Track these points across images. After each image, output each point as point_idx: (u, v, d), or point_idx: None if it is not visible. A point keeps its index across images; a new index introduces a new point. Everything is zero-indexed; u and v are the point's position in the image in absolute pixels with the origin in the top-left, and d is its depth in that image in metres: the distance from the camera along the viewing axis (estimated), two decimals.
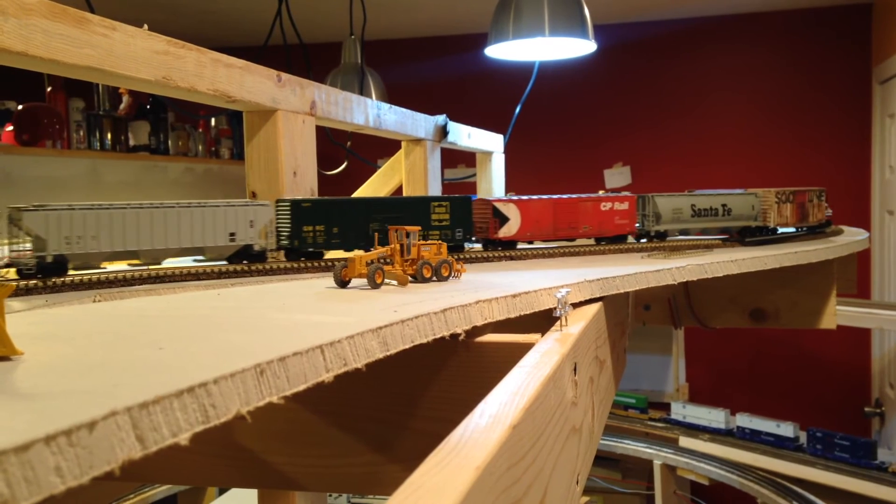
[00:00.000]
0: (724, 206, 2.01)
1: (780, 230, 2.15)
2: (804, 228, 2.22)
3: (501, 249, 1.68)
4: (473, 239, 1.68)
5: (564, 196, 1.80)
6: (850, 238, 2.30)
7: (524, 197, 1.74)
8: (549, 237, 1.74)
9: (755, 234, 2.06)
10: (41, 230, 1.14)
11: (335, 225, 1.49)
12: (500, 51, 2.83)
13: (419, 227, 1.32)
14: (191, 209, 1.30)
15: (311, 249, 1.47)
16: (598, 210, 1.81)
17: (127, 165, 5.40)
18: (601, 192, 1.98)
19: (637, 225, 1.93)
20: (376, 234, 1.51)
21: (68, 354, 0.67)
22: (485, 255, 1.69)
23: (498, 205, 1.67)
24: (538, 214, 1.72)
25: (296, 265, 1.42)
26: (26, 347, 0.66)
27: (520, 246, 1.77)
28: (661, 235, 1.95)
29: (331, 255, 1.54)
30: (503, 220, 1.66)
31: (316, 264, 1.44)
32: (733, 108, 5.78)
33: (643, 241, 1.94)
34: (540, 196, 1.75)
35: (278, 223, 1.46)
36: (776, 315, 2.40)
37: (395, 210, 1.56)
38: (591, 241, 1.90)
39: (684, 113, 5.87)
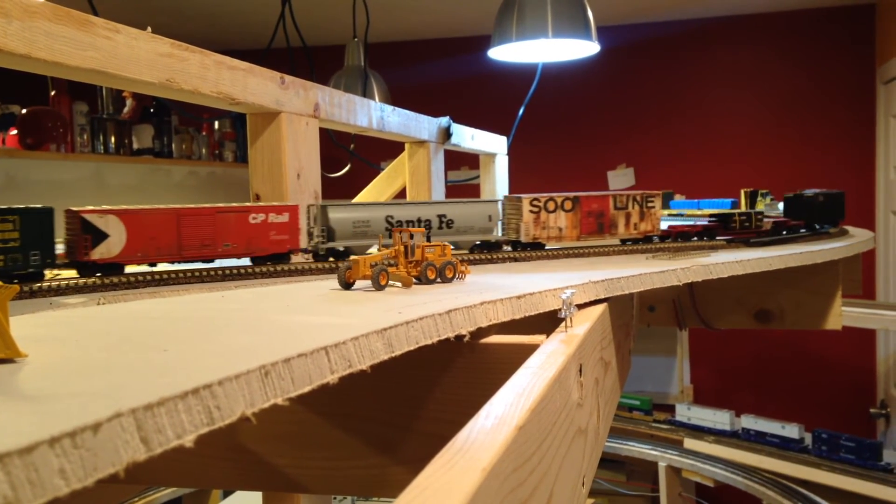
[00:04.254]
0: (441, 216, 1.71)
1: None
2: (631, 242, 1.90)
3: (102, 276, 1.26)
4: (60, 263, 1.28)
5: (193, 206, 1.44)
6: (856, 238, 2.30)
7: (136, 207, 1.37)
8: (175, 258, 1.37)
9: (498, 250, 1.76)
10: None
11: None
12: (504, 52, 2.83)
13: (423, 228, 1.31)
14: None
15: None
16: (245, 223, 1.47)
17: (131, 169, 5.41)
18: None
19: (313, 242, 1.61)
20: None
21: (72, 356, 0.67)
22: (487, 258, 1.67)
23: (89, 216, 1.28)
24: (154, 230, 1.35)
25: None
26: (30, 349, 0.66)
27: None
28: (340, 255, 1.60)
29: None
30: (99, 236, 1.28)
31: None
32: (737, 109, 5.77)
33: (320, 260, 1.57)
34: (162, 206, 1.39)
35: None
36: (781, 316, 2.39)
37: None
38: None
39: (688, 114, 5.87)
